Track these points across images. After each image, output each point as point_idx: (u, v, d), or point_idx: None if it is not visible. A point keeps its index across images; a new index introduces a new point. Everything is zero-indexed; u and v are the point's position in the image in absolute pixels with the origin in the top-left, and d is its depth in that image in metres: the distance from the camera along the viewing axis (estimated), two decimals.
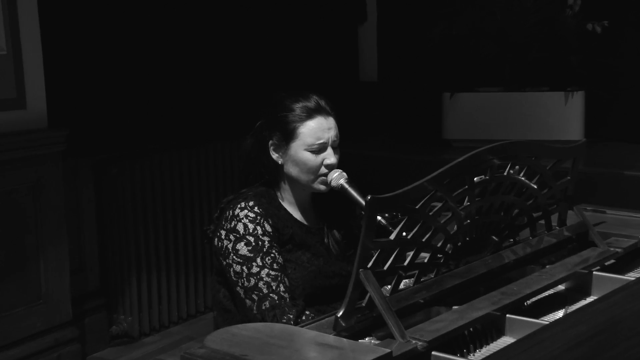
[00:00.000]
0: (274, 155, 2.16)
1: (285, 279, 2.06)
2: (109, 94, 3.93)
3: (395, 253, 1.71)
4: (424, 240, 1.78)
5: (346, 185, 2.12)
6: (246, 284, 2.04)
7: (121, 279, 3.91)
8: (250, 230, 2.07)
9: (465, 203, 1.86)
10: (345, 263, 2.20)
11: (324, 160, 2.13)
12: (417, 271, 1.80)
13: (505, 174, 1.95)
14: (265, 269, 2.04)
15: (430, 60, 4.95)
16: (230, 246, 2.07)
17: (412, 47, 5.09)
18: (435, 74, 4.94)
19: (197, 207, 4.17)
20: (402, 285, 1.79)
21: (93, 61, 3.85)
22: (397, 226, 1.72)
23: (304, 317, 2.00)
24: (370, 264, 1.66)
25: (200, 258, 4.22)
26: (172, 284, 4.11)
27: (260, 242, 2.06)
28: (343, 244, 2.23)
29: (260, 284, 2.03)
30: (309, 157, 2.12)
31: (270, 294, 2.02)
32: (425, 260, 1.81)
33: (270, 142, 2.16)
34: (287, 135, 2.13)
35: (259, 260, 2.05)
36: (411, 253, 1.77)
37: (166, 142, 4.09)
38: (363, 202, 2.06)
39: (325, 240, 2.21)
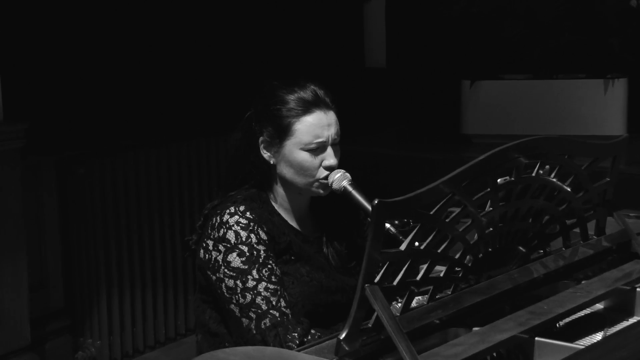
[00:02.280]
0: (265, 154, 2.16)
1: (285, 294, 2.07)
2: (75, 82, 3.94)
3: (406, 266, 1.72)
4: (439, 251, 1.78)
5: (349, 188, 2.13)
6: (242, 300, 2.04)
7: (89, 296, 3.91)
8: (243, 239, 2.07)
9: (488, 208, 1.86)
10: (349, 276, 2.21)
11: (322, 161, 2.13)
12: (431, 287, 1.81)
13: (533, 174, 1.95)
14: (263, 282, 2.04)
15: (447, 43, 4.96)
16: (220, 258, 2.07)
17: (426, 28, 5.10)
18: (452, 59, 4.94)
19: (178, 214, 4.17)
20: (414, 303, 1.79)
21: (57, 47, 3.86)
22: (409, 235, 1.72)
23: (309, 337, 2.00)
24: (377, 279, 1.66)
25: (182, 273, 4.22)
26: (148, 303, 4.11)
27: (255, 252, 2.07)
28: (344, 255, 2.23)
29: (258, 299, 2.03)
30: (305, 157, 2.12)
31: (271, 311, 2.02)
32: (441, 274, 1.82)
33: (261, 138, 2.16)
34: (281, 132, 2.13)
35: (254, 272, 2.05)
36: (425, 266, 1.77)
37: (142, 138, 4.10)
38: (369, 207, 2.06)
39: (325, 250, 2.21)
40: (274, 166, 2.16)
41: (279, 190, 2.19)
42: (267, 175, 2.18)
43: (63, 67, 3.90)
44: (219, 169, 4.28)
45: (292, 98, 2.14)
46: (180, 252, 4.17)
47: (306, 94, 2.14)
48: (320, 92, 2.16)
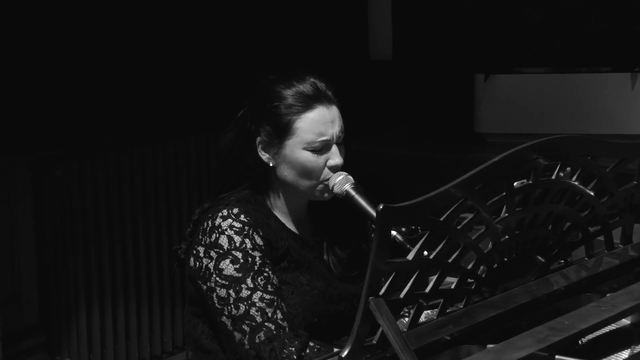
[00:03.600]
0: (264, 156, 2.17)
1: (282, 304, 2.07)
2: (51, 77, 3.94)
3: (414, 277, 1.72)
4: (450, 260, 1.79)
5: (352, 192, 2.13)
6: (234, 311, 2.04)
7: (66, 311, 3.91)
8: (237, 244, 2.08)
9: (503, 214, 1.87)
10: (352, 284, 2.22)
11: (327, 160, 2.14)
12: (441, 300, 1.81)
13: (553, 177, 1.96)
14: (258, 292, 2.05)
15: (459, 33, 4.96)
16: (211, 265, 2.08)
17: (436, 16, 5.10)
18: (465, 50, 4.95)
19: (166, 220, 4.18)
20: (422, 318, 1.80)
21: (31, 40, 3.86)
22: (417, 243, 1.73)
23: (307, 351, 2.01)
24: (382, 291, 1.67)
25: (169, 284, 4.23)
26: (132, 318, 4.11)
27: (250, 259, 2.07)
28: (347, 263, 2.24)
29: (253, 310, 2.03)
30: (308, 157, 2.13)
31: (266, 323, 2.03)
32: (452, 286, 1.82)
33: (259, 139, 2.17)
34: (281, 131, 2.14)
35: (249, 281, 2.06)
36: (434, 277, 1.78)
37: (125, 137, 4.10)
38: (374, 213, 2.06)
39: (325, 257, 2.22)
40: (273, 168, 2.17)
41: (277, 193, 2.20)
42: (264, 177, 2.19)
43: (38, 62, 3.90)
44: (210, 171, 4.28)
45: (290, 93, 2.14)
46: (168, 262, 4.17)
47: (305, 87, 2.15)
48: (321, 85, 2.16)
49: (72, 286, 3.91)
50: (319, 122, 2.13)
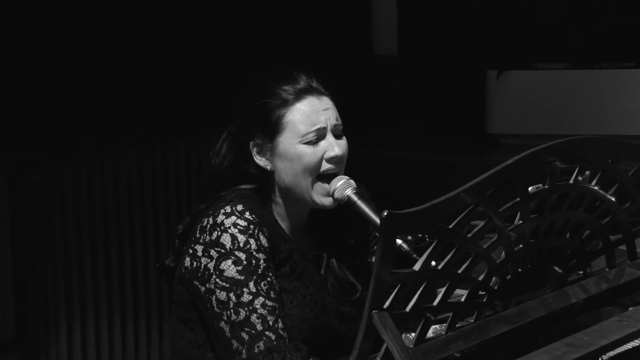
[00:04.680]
0: (260, 161, 2.18)
1: (283, 313, 2.08)
2: (29, 75, 3.94)
3: (421, 289, 1.73)
4: (459, 271, 1.79)
5: (354, 198, 2.14)
6: (234, 317, 2.05)
7: (45, 326, 3.91)
8: (241, 244, 2.08)
9: (517, 221, 1.87)
10: (354, 302, 2.22)
11: (325, 152, 2.15)
12: (450, 314, 1.81)
13: (571, 182, 1.96)
14: (260, 297, 2.05)
15: (469, 26, 4.97)
16: (212, 265, 2.08)
17: (445, 8, 5.11)
18: (476, 44, 4.96)
19: (152, 228, 4.18)
20: (430, 333, 1.80)
21: (9, 38, 3.86)
22: (424, 253, 1.73)
23: None
24: (387, 304, 1.67)
25: (156, 297, 4.23)
26: (115, 333, 4.12)
27: (254, 261, 2.07)
28: (346, 286, 2.24)
29: (253, 317, 2.04)
30: (304, 150, 2.14)
31: (266, 332, 2.03)
32: (462, 299, 1.83)
33: (252, 143, 2.18)
34: (272, 129, 2.15)
35: (251, 285, 2.06)
36: (443, 289, 1.78)
37: (108, 138, 4.10)
38: (377, 220, 2.08)
39: (322, 272, 2.23)
40: (272, 173, 2.18)
41: (276, 201, 2.21)
42: (262, 185, 2.19)
43: (14, 60, 3.90)
44: (201, 175, 4.28)
45: (279, 89, 2.16)
46: (154, 273, 4.16)
47: (296, 82, 2.17)
48: (311, 78, 2.19)
49: (51, 299, 3.91)
50: (310, 111, 2.15)
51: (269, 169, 2.18)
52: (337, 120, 2.18)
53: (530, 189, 1.88)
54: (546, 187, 1.91)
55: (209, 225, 2.10)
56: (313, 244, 2.26)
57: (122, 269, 4.11)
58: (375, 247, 2.27)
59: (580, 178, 1.99)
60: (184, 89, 4.42)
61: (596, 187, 2.03)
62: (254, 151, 2.18)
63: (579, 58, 4.60)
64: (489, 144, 4.63)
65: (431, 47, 5.17)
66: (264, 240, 2.10)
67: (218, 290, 2.06)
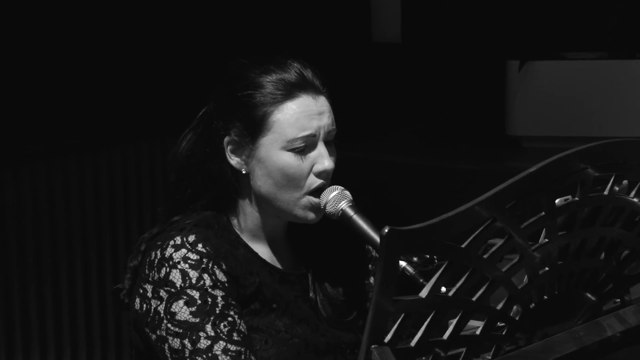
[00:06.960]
0: (234, 161, 2.18)
1: (252, 358, 2.07)
2: None
3: (428, 319, 1.73)
4: (474, 299, 1.79)
5: (350, 212, 2.14)
6: None
7: None
8: (194, 281, 2.07)
9: (542, 240, 1.87)
10: (345, 331, 2.22)
11: (313, 165, 2.15)
12: (464, 349, 1.82)
13: (605, 193, 1.97)
14: (221, 342, 2.05)
15: (487, 10, 4.99)
16: (162, 309, 2.08)
17: None
18: (494, 31, 4.97)
19: (109, 246, 4.19)
20: None
21: None
22: (432, 276, 1.73)
23: None
24: (388, 337, 1.67)
25: (114, 327, 4.23)
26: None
27: (210, 299, 2.07)
28: (340, 303, 2.24)
29: None
30: (289, 161, 2.13)
31: None
32: (478, 332, 1.83)
33: (227, 139, 2.17)
34: (253, 126, 2.14)
35: (208, 328, 2.05)
36: (454, 320, 1.78)
37: (56, 143, 4.11)
38: (377, 238, 2.07)
39: (311, 294, 2.22)
40: (246, 177, 2.17)
41: (249, 210, 2.20)
42: (233, 190, 2.19)
43: None
44: (166, 183, 4.29)
45: (268, 80, 2.16)
46: (110, 298, 4.18)
47: (288, 73, 2.16)
48: (307, 71, 2.18)
49: (11, 328, 3.91)
50: (301, 113, 2.14)
51: (243, 172, 2.17)
52: (332, 125, 2.18)
53: (557, 201, 1.88)
54: (576, 199, 1.92)
55: (156, 260, 2.10)
56: (297, 262, 2.26)
57: (73, 293, 4.12)
58: (374, 269, 2.27)
59: (616, 188, 1.99)
60: (148, 86, 4.43)
61: (635, 199, 2.03)
62: (228, 149, 2.17)
63: (616, 47, 4.62)
64: (509, 148, 4.64)
65: (441, 33, 5.19)
66: (220, 275, 2.09)
67: (170, 338, 2.06)
